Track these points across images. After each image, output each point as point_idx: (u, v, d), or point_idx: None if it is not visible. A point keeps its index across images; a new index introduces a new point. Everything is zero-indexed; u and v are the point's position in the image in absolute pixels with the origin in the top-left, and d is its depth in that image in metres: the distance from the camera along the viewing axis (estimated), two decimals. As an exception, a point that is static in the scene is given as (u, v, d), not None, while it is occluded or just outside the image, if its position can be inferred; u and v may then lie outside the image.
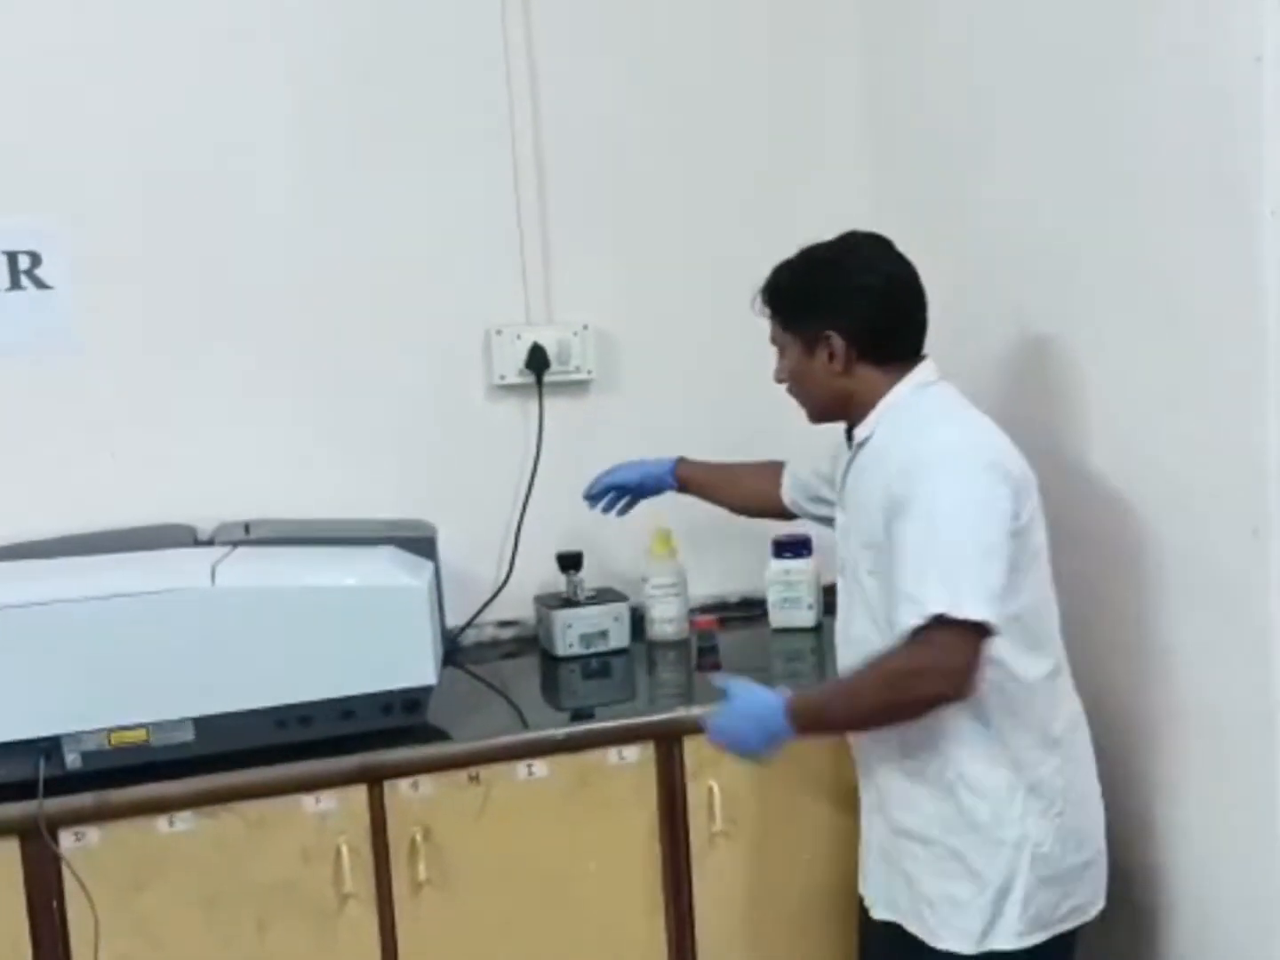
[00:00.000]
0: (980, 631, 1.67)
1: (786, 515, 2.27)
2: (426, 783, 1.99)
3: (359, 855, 1.97)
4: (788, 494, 2.23)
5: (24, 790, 1.84)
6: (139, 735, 1.89)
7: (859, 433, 1.87)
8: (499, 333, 2.52)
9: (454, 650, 2.46)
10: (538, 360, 2.51)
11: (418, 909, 2.00)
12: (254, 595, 1.93)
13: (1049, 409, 2.17)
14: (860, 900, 1.96)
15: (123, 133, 2.32)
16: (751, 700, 1.83)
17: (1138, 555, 2.00)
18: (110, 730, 1.88)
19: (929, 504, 1.70)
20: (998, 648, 1.72)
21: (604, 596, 2.48)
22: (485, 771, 2.02)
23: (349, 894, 1.97)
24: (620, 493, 2.33)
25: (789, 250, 2.62)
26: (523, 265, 2.53)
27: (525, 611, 2.56)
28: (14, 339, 2.28)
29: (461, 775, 2.01)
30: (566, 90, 2.53)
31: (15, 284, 2.28)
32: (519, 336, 2.52)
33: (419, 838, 1.98)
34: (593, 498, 2.34)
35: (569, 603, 2.45)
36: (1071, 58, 2.04)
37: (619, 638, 2.44)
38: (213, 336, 2.38)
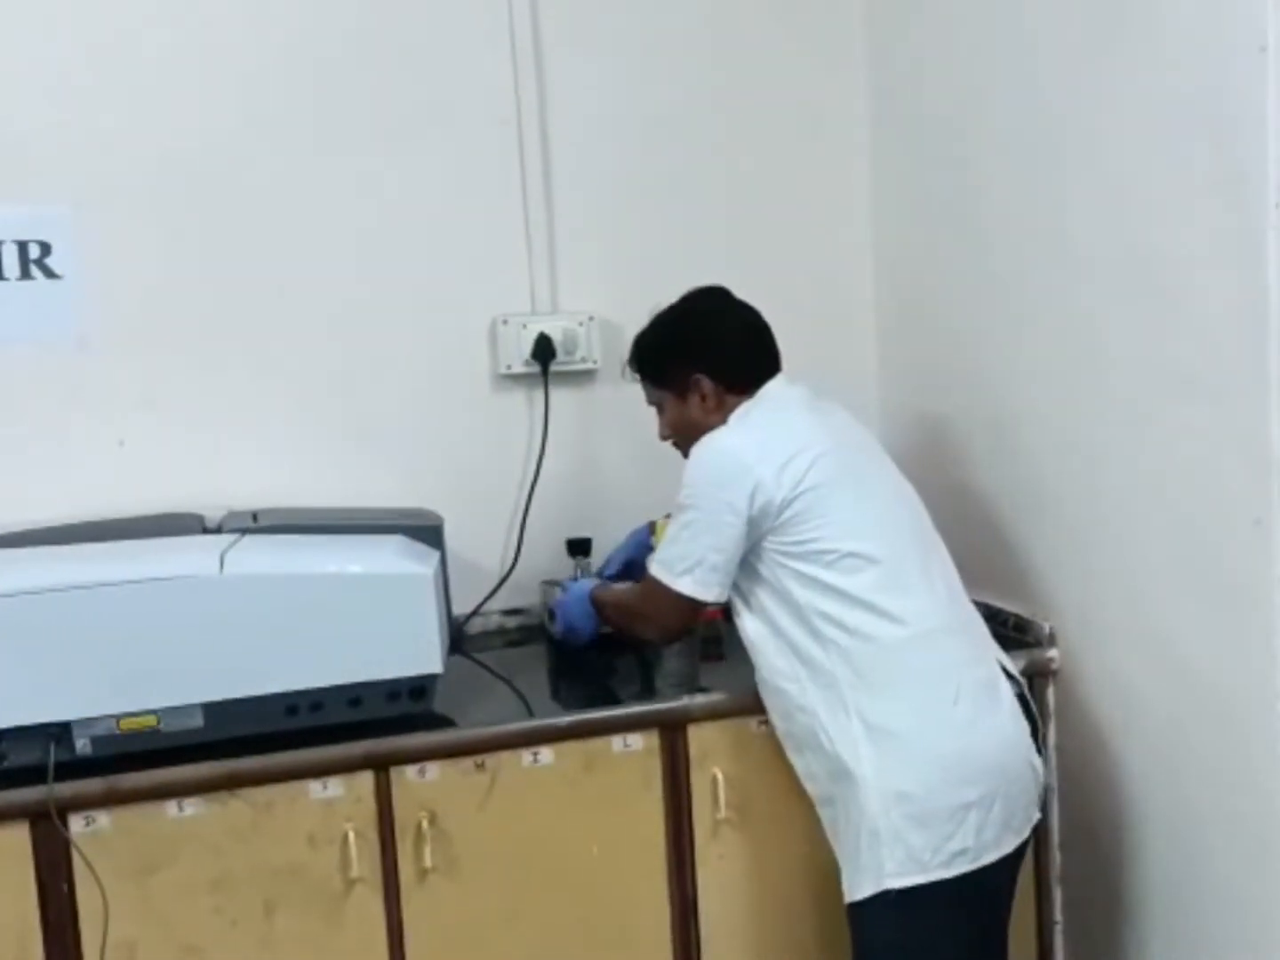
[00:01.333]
0: (686, 599, 1.99)
1: None
2: (433, 769, 2.01)
3: (366, 841, 1.98)
4: None
5: (34, 775, 1.85)
6: (149, 721, 1.91)
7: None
8: (505, 322, 2.53)
9: (460, 638, 2.47)
10: (544, 350, 2.52)
11: (424, 895, 2.02)
12: (262, 583, 1.94)
13: (1052, 400, 2.18)
14: None
15: (132, 122, 2.33)
16: (574, 594, 2.31)
17: (1139, 544, 2.01)
18: (120, 716, 1.89)
19: (684, 488, 2.00)
20: (845, 617, 1.92)
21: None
22: (491, 759, 2.03)
23: (356, 879, 1.98)
24: (630, 565, 2.43)
25: (791, 243, 2.67)
26: (529, 255, 2.54)
27: (531, 600, 2.57)
28: (24, 328, 2.30)
29: (467, 762, 2.02)
30: (573, 80, 2.54)
31: (25, 273, 2.29)
32: (525, 326, 2.53)
33: (425, 824, 1.99)
34: (612, 576, 2.42)
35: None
36: (1074, 49, 2.05)
37: None
38: (221, 326, 2.40)
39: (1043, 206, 2.16)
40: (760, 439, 1.98)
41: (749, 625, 2.02)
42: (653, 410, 2.17)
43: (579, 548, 2.52)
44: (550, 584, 2.49)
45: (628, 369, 2.21)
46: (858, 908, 1.92)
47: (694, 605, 2.01)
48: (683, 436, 2.11)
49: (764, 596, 1.99)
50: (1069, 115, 2.07)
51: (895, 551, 1.97)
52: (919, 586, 1.98)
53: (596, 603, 2.26)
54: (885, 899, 1.87)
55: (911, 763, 1.89)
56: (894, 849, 1.86)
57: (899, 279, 2.64)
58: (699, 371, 2.06)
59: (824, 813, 2.01)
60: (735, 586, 2.02)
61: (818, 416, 2.05)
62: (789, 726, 2.01)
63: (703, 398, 2.07)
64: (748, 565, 1.99)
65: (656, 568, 2.03)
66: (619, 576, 2.39)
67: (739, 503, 1.93)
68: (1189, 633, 1.92)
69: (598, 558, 2.51)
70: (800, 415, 2.04)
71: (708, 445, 2.00)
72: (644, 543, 2.40)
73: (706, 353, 2.08)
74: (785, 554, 1.95)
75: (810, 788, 2.02)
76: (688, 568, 1.98)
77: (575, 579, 2.45)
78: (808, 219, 2.68)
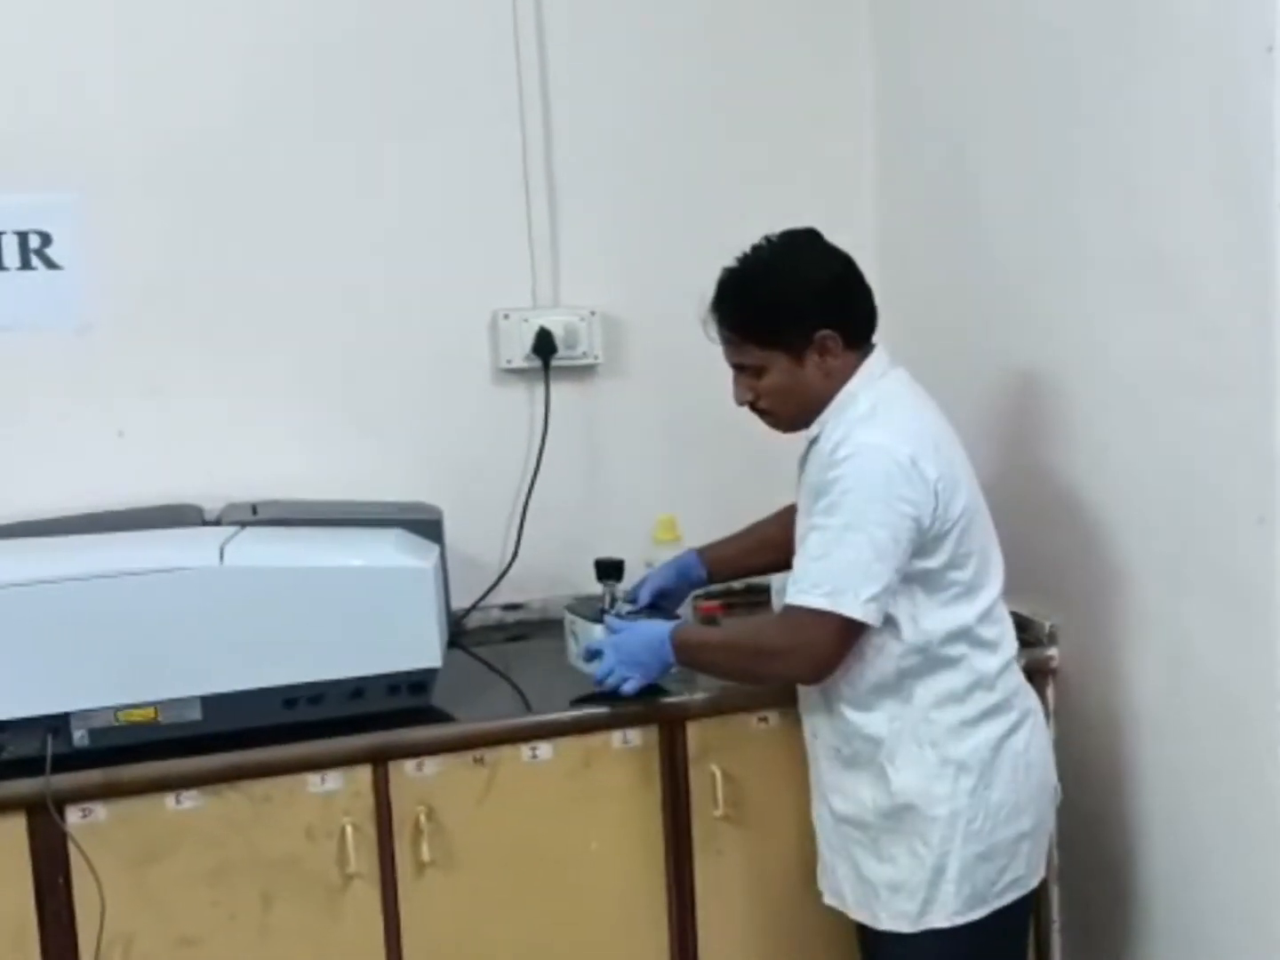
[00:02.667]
0: (853, 627, 1.76)
1: None
2: (431, 764, 2.00)
3: (364, 835, 1.98)
4: None
5: (32, 767, 1.85)
6: (147, 714, 1.90)
7: (811, 430, 1.89)
8: (506, 317, 2.52)
9: (459, 633, 2.46)
10: (545, 345, 2.51)
11: (421, 889, 2.01)
12: (261, 575, 1.94)
13: (1056, 399, 2.17)
14: None
15: (133, 113, 2.32)
16: (646, 632, 1.97)
17: (1142, 542, 2.01)
18: (118, 708, 1.89)
19: (837, 497, 1.75)
20: (950, 650, 1.82)
21: (646, 612, 2.14)
22: (489, 754, 2.03)
23: (353, 873, 1.98)
24: (661, 596, 2.18)
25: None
26: (531, 250, 2.53)
27: (530, 595, 2.57)
28: (24, 318, 2.29)
29: (466, 757, 2.02)
30: (576, 75, 2.53)
31: (26, 264, 2.29)
32: (526, 321, 2.52)
33: (423, 818, 1.99)
34: (640, 608, 2.15)
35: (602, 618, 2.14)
36: (1082, 47, 2.04)
37: None
38: (221, 318, 2.39)
39: (1049, 205, 2.15)
40: (924, 443, 1.79)
41: None
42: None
43: (610, 571, 2.20)
44: (575, 611, 2.19)
45: (709, 325, 1.90)
46: (903, 938, 1.85)
47: (857, 635, 1.79)
48: (781, 404, 1.88)
49: None
50: (1076, 114, 2.07)
51: (993, 574, 1.88)
52: (1003, 608, 1.91)
53: (684, 646, 1.93)
54: (938, 933, 1.83)
55: (982, 799, 1.83)
56: (960, 886, 1.82)
57: (902, 275, 2.63)
58: (828, 327, 1.83)
59: (856, 834, 1.89)
60: None
61: (938, 413, 1.90)
62: (844, 748, 1.89)
63: (824, 357, 1.83)
64: None
65: (816, 595, 1.74)
66: (650, 609, 2.13)
67: (922, 515, 1.74)
68: (1191, 631, 1.92)
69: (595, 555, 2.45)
70: (932, 412, 1.88)
71: (870, 447, 1.76)
72: (687, 572, 2.18)
73: (838, 304, 1.84)
74: (908, 577, 1.79)
75: (843, 806, 1.90)
76: (871, 594, 1.73)
77: (618, 612, 2.10)
78: (812, 215, 2.66)
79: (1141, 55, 1.92)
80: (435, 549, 2.15)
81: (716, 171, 2.62)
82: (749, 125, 2.64)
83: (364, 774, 1.98)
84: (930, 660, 1.83)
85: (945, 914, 1.83)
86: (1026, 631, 2.27)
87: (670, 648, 1.93)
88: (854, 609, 1.74)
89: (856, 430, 1.80)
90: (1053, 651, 2.23)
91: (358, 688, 1.98)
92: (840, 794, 1.91)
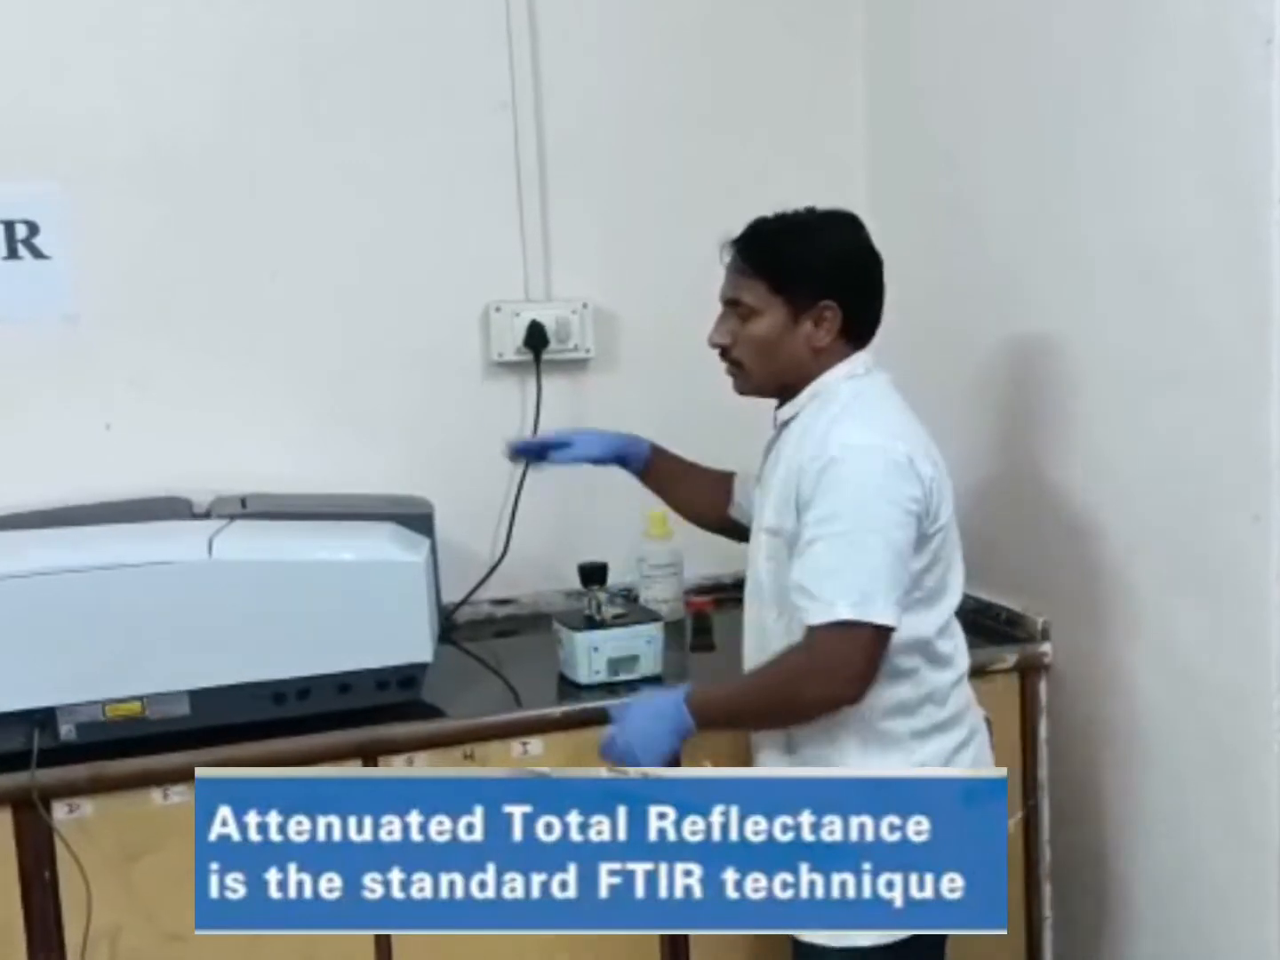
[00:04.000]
0: (882, 635, 1.67)
1: (726, 531, 2.13)
2: (421, 759, 1.99)
3: (353, 830, 1.97)
4: (737, 505, 2.08)
5: (18, 761, 1.83)
6: (134, 708, 1.89)
7: (783, 413, 1.83)
8: (498, 310, 2.51)
9: (449, 628, 2.45)
10: (536, 338, 2.50)
11: (411, 885, 2.00)
12: (250, 569, 1.92)
13: (1050, 395, 2.17)
14: None
15: (122, 102, 2.30)
16: (653, 702, 1.80)
17: (1136, 539, 2.01)
18: (105, 702, 1.87)
19: (840, 503, 1.67)
20: (903, 661, 1.75)
21: (634, 615, 2.19)
22: (480, 749, 2.01)
23: (342, 869, 1.96)
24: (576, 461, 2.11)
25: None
26: (522, 242, 2.52)
27: (520, 590, 2.56)
28: (11, 309, 2.27)
29: (456, 752, 2.00)
30: (569, 67, 2.52)
31: (12, 253, 2.27)
32: (518, 314, 2.51)
33: (413, 814, 1.98)
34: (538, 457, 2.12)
35: (593, 623, 2.15)
36: (1079, 41, 2.03)
37: (651, 663, 2.15)
38: (210, 309, 2.37)
39: (1043, 200, 2.15)
40: (916, 442, 1.75)
41: (773, 627, 1.79)
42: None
43: (593, 575, 2.18)
44: (563, 621, 2.18)
45: (729, 251, 1.83)
46: (823, 954, 1.74)
47: (888, 641, 1.69)
48: (757, 357, 1.80)
49: None
50: (1072, 109, 2.06)
51: (954, 584, 1.82)
52: (957, 622, 1.86)
53: (704, 706, 1.76)
54: (859, 952, 1.71)
55: None
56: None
57: (896, 270, 2.61)
58: (837, 300, 1.77)
59: None
60: (760, 587, 1.82)
61: (917, 418, 1.83)
62: (789, 746, 1.82)
63: (818, 328, 1.77)
64: None
65: (843, 607, 1.64)
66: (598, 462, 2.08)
67: (915, 507, 1.69)
68: (1185, 628, 1.91)
69: (582, 554, 2.31)
70: (914, 420, 1.82)
71: (863, 448, 1.70)
72: (625, 457, 2.09)
73: (855, 285, 1.79)
74: None
75: None
76: (896, 596, 1.67)
77: (634, 688, 1.98)
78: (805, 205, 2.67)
79: (1138, 49, 1.91)
80: (426, 543, 2.14)
81: (709, 164, 2.61)
82: (742, 119, 2.63)
83: (353, 769, 1.96)
84: (885, 670, 1.72)
85: (870, 934, 1.69)
86: (1018, 628, 2.27)
87: (687, 712, 1.75)
88: (885, 614, 1.65)
89: (838, 430, 1.72)
90: (1045, 648, 2.23)
91: (347, 682, 1.97)
92: None
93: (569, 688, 2.16)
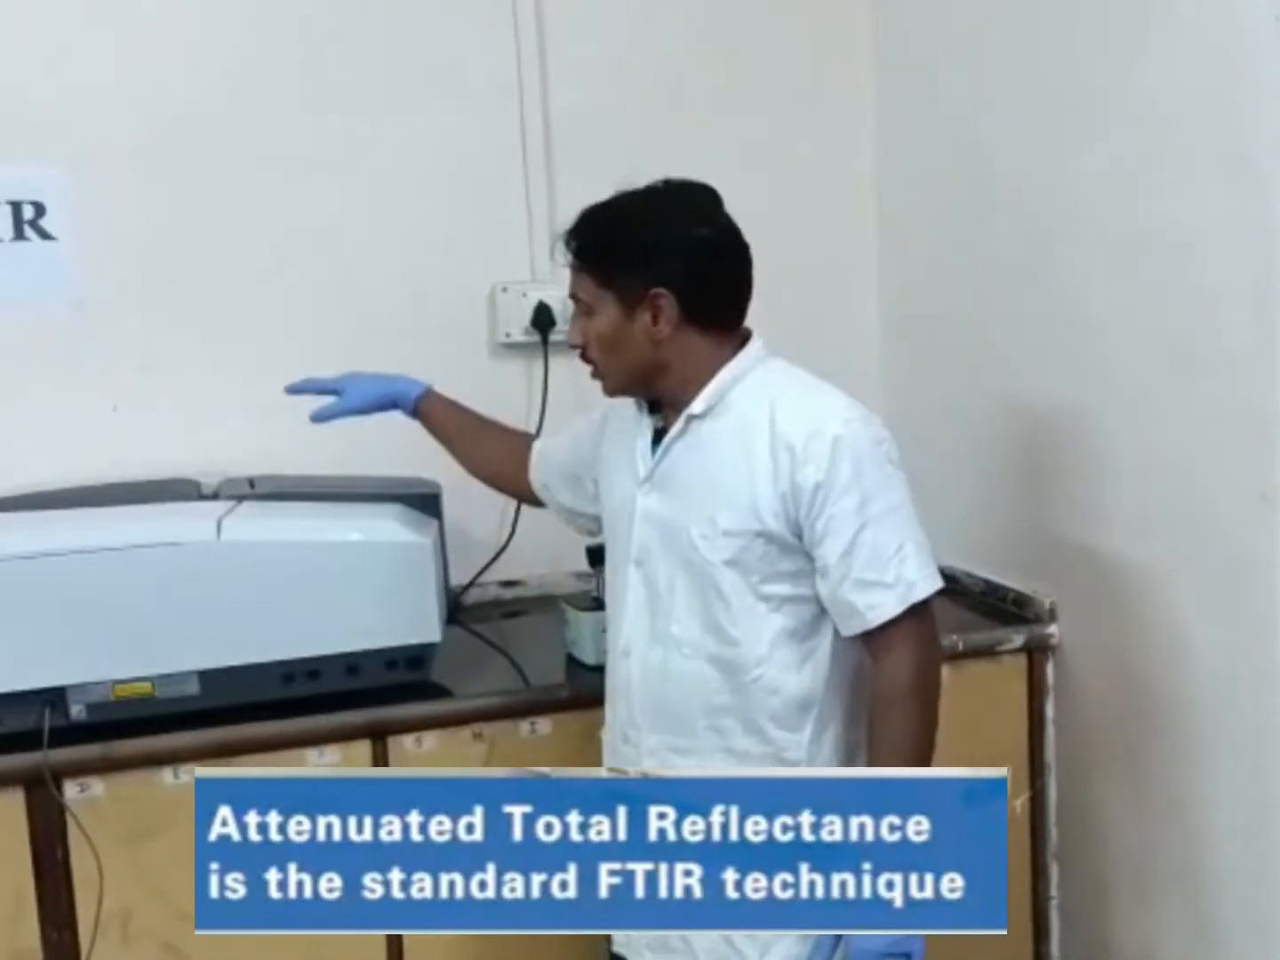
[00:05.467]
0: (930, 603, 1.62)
1: (524, 497, 2.08)
2: (430, 739, 2.00)
3: (362, 810, 1.97)
4: (538, 476, 1.99)
5: (29, 740, 1.84)
6: (144, 688, 1.90)
7: (696, 406, 1.66)
8: (504, 290, 2.50)
9: (457, 609, 2.45)
10: (543, 319, 2.50)
11: (420, 864, 2.01)
12: (259, 549, 1.92)
13: (1056, 375, 2.16)
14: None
15: (127, 82, 2.30)
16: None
17: (1143, 519, 2.00)
18: (115, 682, 1.88)
19: (871, 481, 1.59)
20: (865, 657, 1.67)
21: None
22: (489, 728, 2.02)
23: (352, 848, 1.97)
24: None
25: (795, 216, 2.64)
26: (529, 222, 2.51)
27: (528, 571, 2.56)
28: (18, 290, 2.27)
29: (465, 732, 2.01)
30: (575, 46, 2.51)
31: (19, 234, 2.27)
32: (525, 294, 2.50)
33: (422, 793, 1.99)
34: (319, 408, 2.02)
35: (600, 604, 2.06)
36: (1086, 22, 2.02)
37: None
38: (217, 290, 2.37)
39: (1050, 182, 2.14)
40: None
41: (766, 633, 1.65)
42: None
43: (601, 556, 2.03)
44: (570, 602, 2.20)
45: (559, 248, 1.72)
46: None
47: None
48: (604, 356, 1.68)
49: (796, 606, 1.65)
50: (1081, 87, 2.05)
51: None
52: None
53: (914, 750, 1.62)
54: None
55: None
56: (830, 935, 1.62)
57: (904, 255, 2.62)
58: (665, 287, 1.62)
59: None
60: (706, 597, 1.66)
61: None
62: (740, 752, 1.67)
63: (654, 319, 1.63)
64: (795, 556, 1.64)
65: (921, 585, 1.59)
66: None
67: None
68: (1193, 608, 1.91)
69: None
70: None
71: (858, 418, 1.61)
72: (391, 404, 2.05)
73: (687, 270, 1.63)
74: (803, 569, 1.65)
75: None
76: (929, 566, 1.61)
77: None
78: (811, 188, 2.66)
79: (1147, 26, 1.90)
80: (434, 524, 2.14)
81: (715, 147, 2.59)
82: (749, 96, 2.61)
83: (362, 749, 1.97)
84: (850, 668, 1.68)
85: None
86: (1026, 608, 2.27)
87: None
88: (933, 585, 1.62)
89: (818, 404, 1.63)
90: (1053, 629, 2.23)
91: (356, 663, 1.97)
92: None
93: (576, 668, 2.17)
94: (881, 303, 2.70)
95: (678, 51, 2.57)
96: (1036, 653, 2.24)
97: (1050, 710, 2.25)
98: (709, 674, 1.66)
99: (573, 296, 1.72)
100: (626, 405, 1.78)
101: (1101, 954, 2.19)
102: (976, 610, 2.37)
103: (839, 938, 1.60)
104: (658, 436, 1.72)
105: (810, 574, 1.64)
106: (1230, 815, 1.89)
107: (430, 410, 2.06)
